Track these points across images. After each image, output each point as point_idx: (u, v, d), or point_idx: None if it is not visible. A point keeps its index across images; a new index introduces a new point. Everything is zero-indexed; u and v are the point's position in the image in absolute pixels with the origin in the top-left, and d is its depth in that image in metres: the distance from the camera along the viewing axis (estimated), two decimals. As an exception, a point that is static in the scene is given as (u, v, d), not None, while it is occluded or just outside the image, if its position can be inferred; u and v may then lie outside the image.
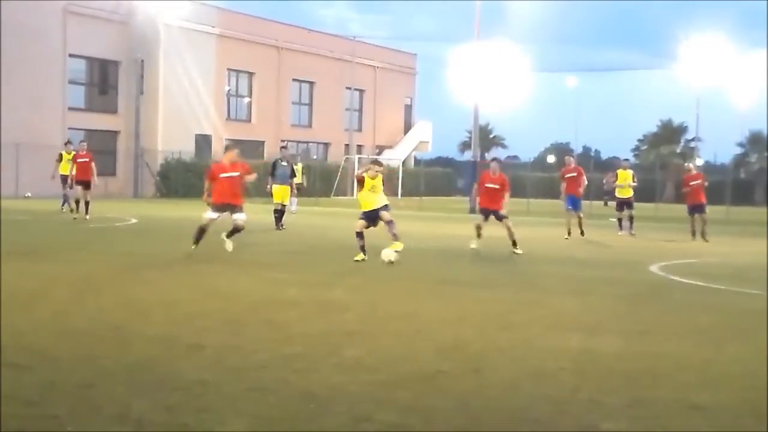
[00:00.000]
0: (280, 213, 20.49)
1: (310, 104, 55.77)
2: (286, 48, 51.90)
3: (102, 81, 45.71)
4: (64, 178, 24.65)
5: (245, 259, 13.62)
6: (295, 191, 23.93)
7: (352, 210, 28.46)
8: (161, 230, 20.04)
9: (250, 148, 47.29)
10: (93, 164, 22.19)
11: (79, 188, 22.02)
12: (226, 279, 11.12)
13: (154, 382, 5.64)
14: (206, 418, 4.89)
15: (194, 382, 5.64)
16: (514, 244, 16.24)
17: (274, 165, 21.24)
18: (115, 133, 44.64)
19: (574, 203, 21.28)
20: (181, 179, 42.36)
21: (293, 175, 21.51)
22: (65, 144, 26.75)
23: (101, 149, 44.02)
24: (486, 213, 16.68)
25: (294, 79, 53.78)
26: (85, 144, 23.55)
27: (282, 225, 20.35)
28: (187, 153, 44.16)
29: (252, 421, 4.86)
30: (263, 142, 50.26)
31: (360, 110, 59.46)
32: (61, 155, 25.29)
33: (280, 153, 22.60)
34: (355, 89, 56.61)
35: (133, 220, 21.17)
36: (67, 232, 18.42)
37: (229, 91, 50.05)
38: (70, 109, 42.17)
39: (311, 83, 55.21)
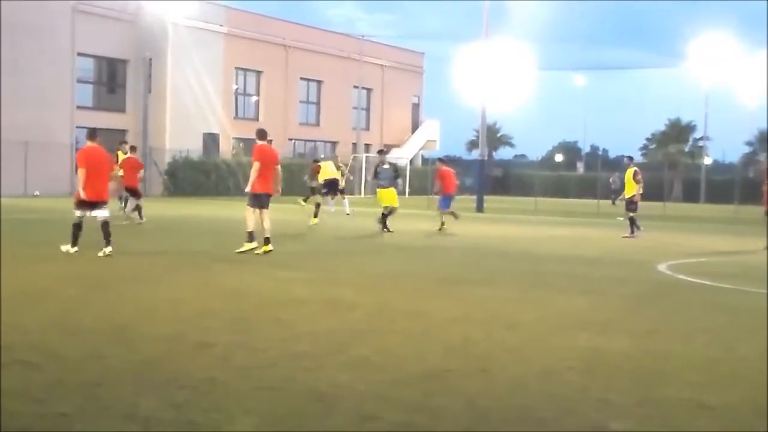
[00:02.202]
0: (385, 216, 20.30)
1: (318, 103, 55.80)
2: (294, 47, 51.94)
3: (110, 79, 45.83)
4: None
5: (252, 258, 13.61)
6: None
7: (360, 208, 28.50)
8: (168, 228, 20.07)
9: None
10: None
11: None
12: (234, 277, 11.13)
13: (161, 380, 5.65)
14: (214, 416, 4.89)
15: (201, 380, 5.65)
16: None
17: (377, 169, 21.31)
18: (123, 131, 44.64)
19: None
20: (189, 178, 42.45)
21: (397, 176, 21.41)
22: (121, 144, 25.54)
23: (109, 148, 44.12)
24: None
25: (302, 78, 53.81)
26: (126, 146, 23.26)
27: (387, 228, 20.09)
28: (194, 151, 44.22)
29: (260, 419, 4.87)
30: (270, 141, 50.28)
31: (368, 109, 59.46)
32: (117, 155, 24.34)
33: (379, 156, 22.67)
34: (363, 88, 56.59)
35: (141, 219, 21.14)
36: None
37: (236, 89, 50.10)
38: (79, 107, 42.25)
39: (319, 82, 55.25)
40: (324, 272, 12.11)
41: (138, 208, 20.86)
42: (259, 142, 14.79)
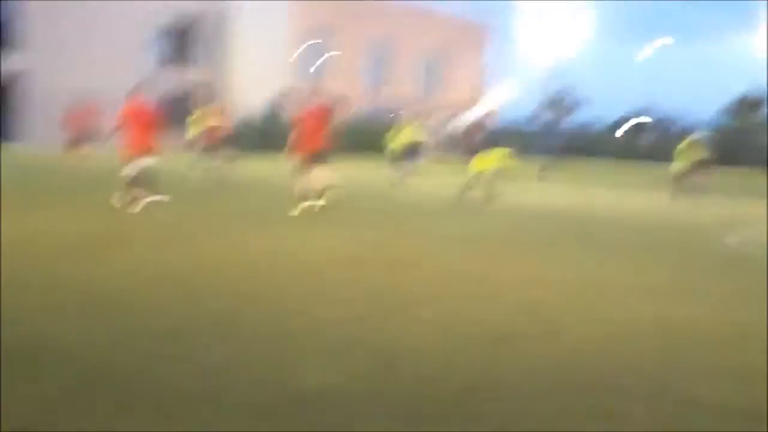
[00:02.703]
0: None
1: (388, 64, 55.39)
2: (363, 8, 51.52)
3: (180, 43, 46.19)
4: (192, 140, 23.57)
5: (320, 216, 13.60)
6: None
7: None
8: (239, 187, 20.18)
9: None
10: None
11: None
12: (309, 234, 11.15)
13: (233, 335, 5.70)
14: (283, 369, 4.92)
15: (275, 336, 5.69)
16: None
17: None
18: (194, 87, 45.10)
19: None
20: (256, 138, 42.62)
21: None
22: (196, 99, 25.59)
23: (181, 103, 44.56)
24: None
25: (372, 40, 53.41)
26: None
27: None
28: (260, 114, 44.43)
29: (337, 371, 4.90)
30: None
31: (437, 70, 58.97)
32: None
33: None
34: (434, 50, 56.02)
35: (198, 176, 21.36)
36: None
37: (306, 48, 50.07)
38: (154, 65, 42.77)
39: (388, 44, 54.70)
40: (389, 231, 12.04)
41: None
42: (311, 101, 14.83)
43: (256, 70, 44.83)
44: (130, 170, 13.94)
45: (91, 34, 39.35)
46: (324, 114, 14.41)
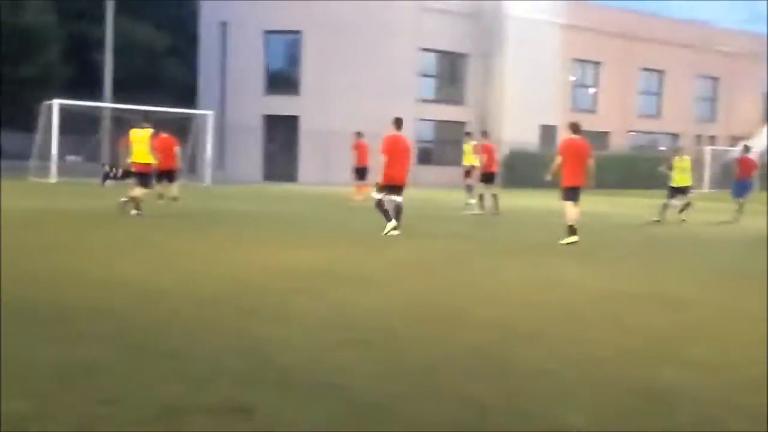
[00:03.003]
0: None
1: (659, 94, 53.76)
2: (634, 37, 50.39)
3: (451, 73, 47.31)
4: (467, 170, 23.72)
5: (585, 249, 13.43)
6: None
7: (706, 203, 27.10)
8: (505, 219, 20.30)
9: (595, 139, 46.61)
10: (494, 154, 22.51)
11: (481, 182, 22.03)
12: (567, 269, 11.03)
13: (492, 367, 5.73)
14: (544, 407, 4.88)
15: (532, 370, 5.66)
16: None
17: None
18: (462, 123, 45.95)
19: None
20: (526, 169, 42.66)
21: None
22: (466, 134, 26.06)
23: (448, 139, 45.61)
24: None
25: (643, 69, 52.13)
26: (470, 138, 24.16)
27: None
28: (531, 144, 44.46)
29: (591, 414, 4.79)
30: (608, 133, 49.34)
31: (713, 99, 56.34)
32: (464, 149, 24.44)
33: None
34: (708, 77, 53.69)
35: (477, 210, 21.63)
36: (413, 219, 19.30)
37: (574, 81, 49.63)
38: (422, 101, 44.06)
39: (660, 72, 53.19)
40: (660, 268, 11.64)
41: (494, 199, 21.28)
42: (571, 136, 14.76)
43: (525, 104, 44.98)
44: (385, 200, 14.73)
45: (359, 78, 41.16)
46: (583, 149, 14.58)
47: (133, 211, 16.84)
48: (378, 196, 14.80)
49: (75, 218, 16.64)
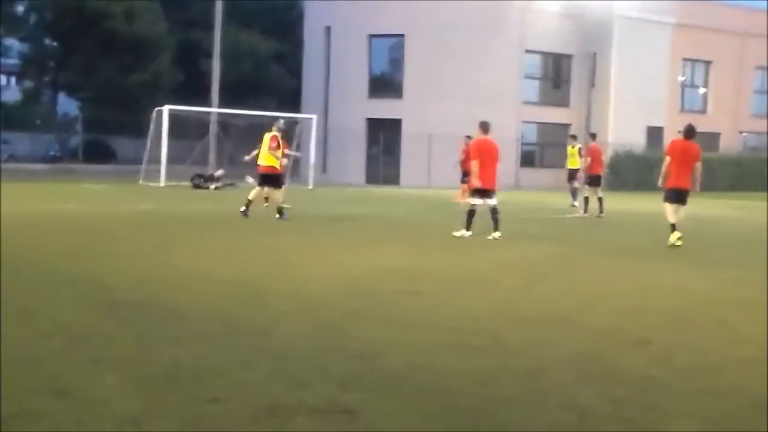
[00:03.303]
0: None
1: (773, 93, 51.92)
2: (748, 34, 48.79)
3: (555, 75, 46.75)
4: (572, 173, 23.64)
5: (694, 254, 13.08)
6: None
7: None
8: (609, 222, 19.94)
9: (705, 140, 45.32)
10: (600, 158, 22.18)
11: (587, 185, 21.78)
12: (675, 274, 10.77)
13: (599, 373, 5.63)
14: (651, 415, 4.78)
15: (639, 377, 5.55)
16: None
17: None
18: (566, 126, 45.31)
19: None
20: (632, 172, 41.85)
21: None
22: (570, 137, 25.33)
23: (552, 142, 45.11)
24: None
25: (756, 67, 50.43)
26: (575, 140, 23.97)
27: None
28: (637, 145, 43.55)
29: (700, 424, 4.66)
30: (719, 134, 47.92)
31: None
32: (567, 150, 24.20)
33: None
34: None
35: (581, 213, 21.32)
36: (517, 221, 19.15)
37: (683, 81, 48.39)
38: (524, 103, 43.70)
39: (775, 71, 51.34)
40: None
41: (600, 202, 20.96)
42: (682, 138, 14.57)
43: (632, 105, 44.09)
44: (479, 204, 14.71)
45: (462, 81, 41.06)
46: (690, 152, 14.31)
47: (277, 215, 17.06)
48: (473, 201, 14.79)
49: (186, 221, 17.07)
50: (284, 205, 17.50)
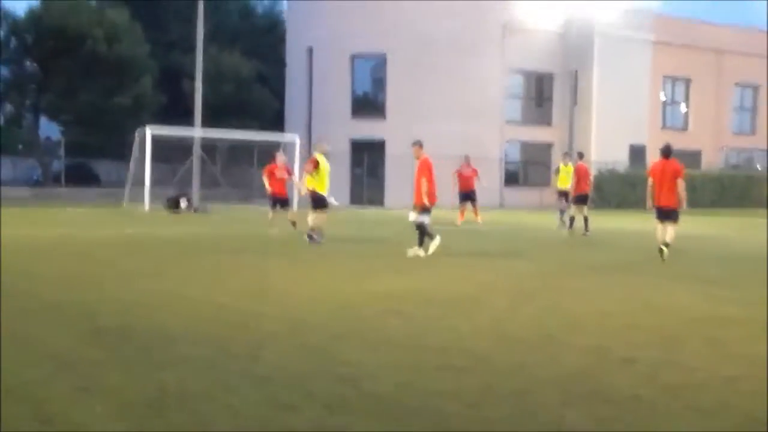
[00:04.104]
0: None
1: (754, 110, 52.35)
2: (727, 51, 49.21)
3: (538, 94, 46.98)
4: (562, 193, 23.46)
5: (680, 271, 13.14)
6: None
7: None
8: (595, 240, 20.00)
9: (687, 158, 45.65)
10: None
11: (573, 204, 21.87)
12: (661, 292, 10.81)
13: (586, 393, 5.64)
14: (640, 434, 4.78)
15: (627, 396, 5.55)
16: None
17: None
18: (549, 144, 45.56)
19: None
20: (615, 190, 42.03)
21: None
22: (563, 155, 25.25)
23: (536, 161, 45.29)
24: None
25: (736, 84, 50.86)
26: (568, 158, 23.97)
27: None
28: (620, 163, 43.76)
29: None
30: (700, 151, 48.24)
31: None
32: (558, 168, 24.20)
33: None
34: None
35: (564, 231, 21.39)
36: (503, 241, 19.17)
37: (664, 99, 48.72)
38: (507, 122, 43.84)
39: (755, 87, 51.79)
40: (752, 289, 11.27)
41: (585, 220, 21.00)
42: (660, 158, 15.20)
43: (614, 123, 44.28)
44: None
45: (445, 101, 41.26)
46: (670, 170, 14.83)
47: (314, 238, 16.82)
48: (424, 219, 14.87)
49: (170, 244, 17.01)
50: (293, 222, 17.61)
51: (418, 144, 15.52)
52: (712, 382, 5.98)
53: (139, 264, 13.17)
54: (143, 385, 5.56)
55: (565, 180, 23.08)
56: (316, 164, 17.24)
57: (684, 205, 14.86)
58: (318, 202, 17.28)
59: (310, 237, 16.81)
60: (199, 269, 12.49)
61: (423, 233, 14.75)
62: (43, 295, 9.55)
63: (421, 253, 14.48)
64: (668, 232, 14.58)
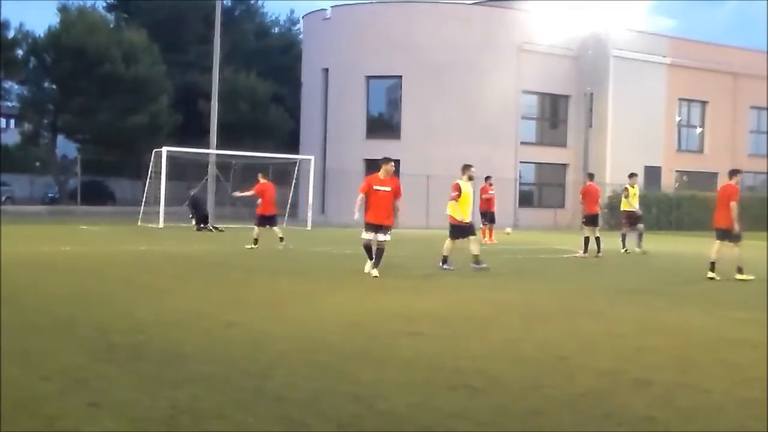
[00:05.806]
0: None
1: (770, 132, 52.11)
2: (743, 74, 49.09)
3: (552, 115, 46.99)
4: (629, 215, 23.34)
5: (694, 293, 13.05)
6: None
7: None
8: (607, 263, 19.93)
9: (702, 180, 45.51)
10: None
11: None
12: (676, 314, 10.74)
13: (600, 415, 5.60)
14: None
15: (640, 418, 5.51)
16: None
17: None
18: (565, 165, 45.51)
19: None
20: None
21: None
22: (631, 175, 24.57)
23: (551, 182, 45.22)
24: None
25: (752, 107, 50.70)
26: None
27: None
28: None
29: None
30: (716, 174, 48.04)
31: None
32: (627, 190, 23.78)
33: None
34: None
35: (580, 252, 21.31)
36: (517, 262, 19.11)
37: (680, 121, 48.63)
38: (522, 143, 43.83)
39: (770, 110, 51.57)
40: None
41: (597, 241, 20.98)
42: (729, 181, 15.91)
43: (629, 145, 44.16)
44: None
45: (460, 122, 41.32)
46: (725, 192, 15.57)
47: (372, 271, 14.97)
48: (365, 236, 14.82)
49: (185, 262, 17.05)
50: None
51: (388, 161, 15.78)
52: (728, 405, 5.93)
53: (152, 281, 13.20)
54: (155, 402, 5.55)
55: (628, 202, 23.40)
56: (459, 190, 16.42)
57: (736, 226, 15.22)
58: (459, 231, 16.19)
59: (477, 263, 15.92)
60: (212, 287, 12.50)
61: (382, 253, 14.54)
62: (56, 311, 9.57)
63: (375, 272, 14.28)
64: (723, 252, 15.30)
